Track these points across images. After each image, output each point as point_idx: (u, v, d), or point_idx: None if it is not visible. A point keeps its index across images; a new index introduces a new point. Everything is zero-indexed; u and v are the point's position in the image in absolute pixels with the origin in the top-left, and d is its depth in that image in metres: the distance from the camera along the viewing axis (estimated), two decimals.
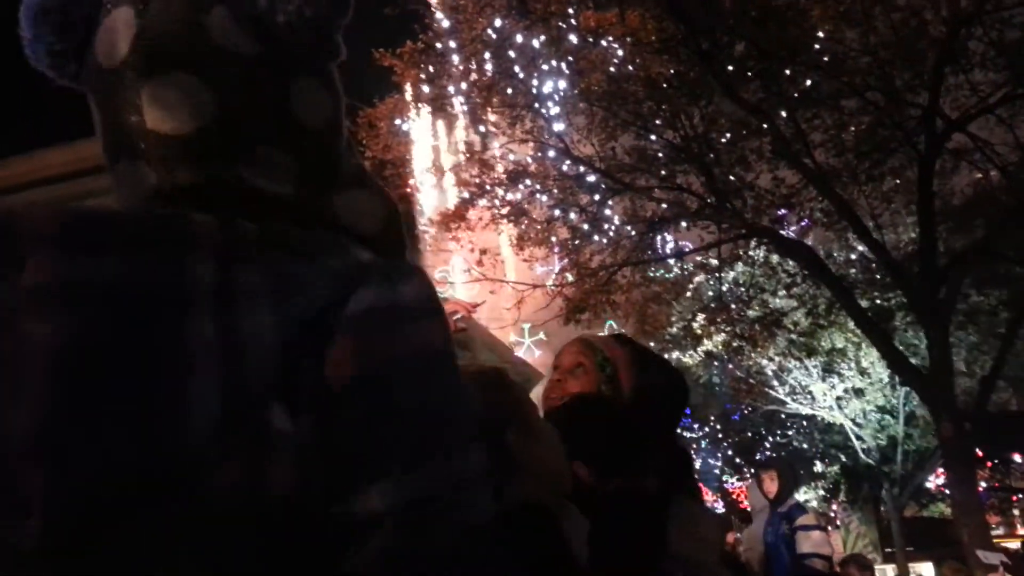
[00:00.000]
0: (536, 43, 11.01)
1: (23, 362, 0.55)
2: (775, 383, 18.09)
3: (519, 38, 11.06)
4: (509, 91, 11.32)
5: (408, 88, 11.35)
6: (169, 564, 0.55)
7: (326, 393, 0.60)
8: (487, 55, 11.10)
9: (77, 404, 0.55)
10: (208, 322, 0.58)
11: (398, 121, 11.32)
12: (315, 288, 0.63)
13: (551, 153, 11.63)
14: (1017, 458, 18.15)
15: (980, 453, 13.89)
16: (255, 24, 0.69)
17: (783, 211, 12.01)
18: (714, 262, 12.41)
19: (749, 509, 5.92)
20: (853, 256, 14.09)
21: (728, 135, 11.35)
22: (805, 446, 19.87)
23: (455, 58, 11.37)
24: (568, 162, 11.61)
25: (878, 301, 13.80)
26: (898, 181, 11.56)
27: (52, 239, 0.59)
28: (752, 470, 15.15)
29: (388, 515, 0.58)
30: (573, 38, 10.88)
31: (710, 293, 13.44)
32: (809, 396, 17.83)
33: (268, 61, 0.70)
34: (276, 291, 0.61)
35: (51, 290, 0.57)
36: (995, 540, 13.12)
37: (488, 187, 11.67)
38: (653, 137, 11.76)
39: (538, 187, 11.68)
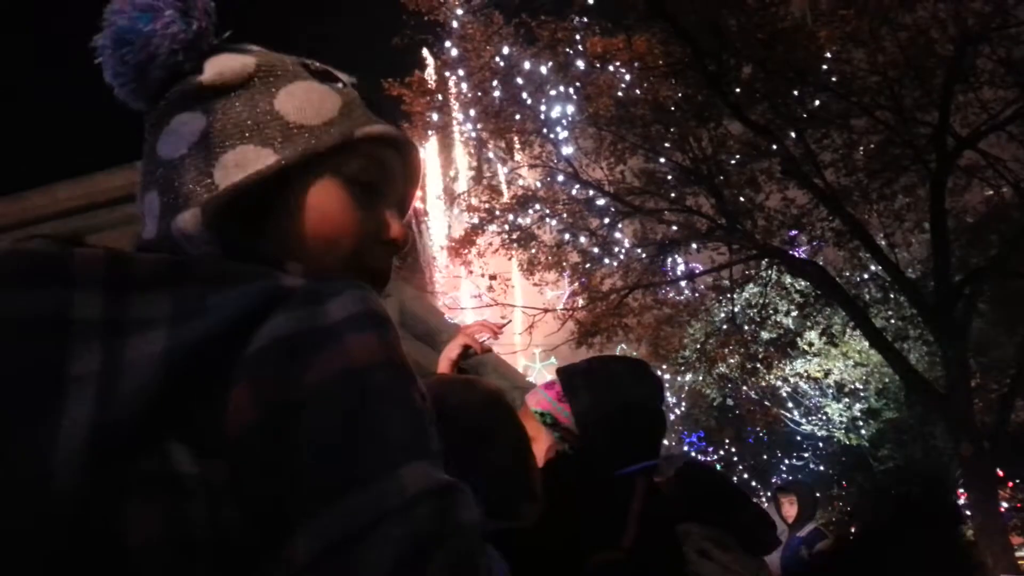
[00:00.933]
0: (544, 69, 11.09)
1: None
2: (790, 404, 17.93)
3: (527, 65, 11.15)
4: (518, 117, 11.39)
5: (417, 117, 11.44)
6: None
7: (229, 436, 0.56)
8: (495, 82, 11.19)
9: None
10: (89, 356, 0.56)
11: None
12: (219, 316, 0.59)
13: (560, 177, 11.66)
14: None
15: (1001, 473, 13.67)
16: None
17: (794, 232, 11.98)
18: (726, 283, 12.37)
19: None
20: (866, 275, 14.01)
21: (737, 156, 11.36)
22: (822, 468, 19.64)
23: (464, 86, 11.47)
24: (577, 186, 11.64)
25: (892, 320, 13.68)
26: (910, 199, 11.52)
27: None
28: (768, 493, 14.97)
29: (310, 567, 0.52)
30: (580, 64, 10.96)
31: (722, 315, 13.38)
32: (824, 417, 17.66)
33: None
34: (174, 320, 0.58)
35: None
36: (1020, 562, 12.88)
37: (497, 212, 11.70)
38: (662, 160, 11.78)
39: (547, 211, 11.71)
